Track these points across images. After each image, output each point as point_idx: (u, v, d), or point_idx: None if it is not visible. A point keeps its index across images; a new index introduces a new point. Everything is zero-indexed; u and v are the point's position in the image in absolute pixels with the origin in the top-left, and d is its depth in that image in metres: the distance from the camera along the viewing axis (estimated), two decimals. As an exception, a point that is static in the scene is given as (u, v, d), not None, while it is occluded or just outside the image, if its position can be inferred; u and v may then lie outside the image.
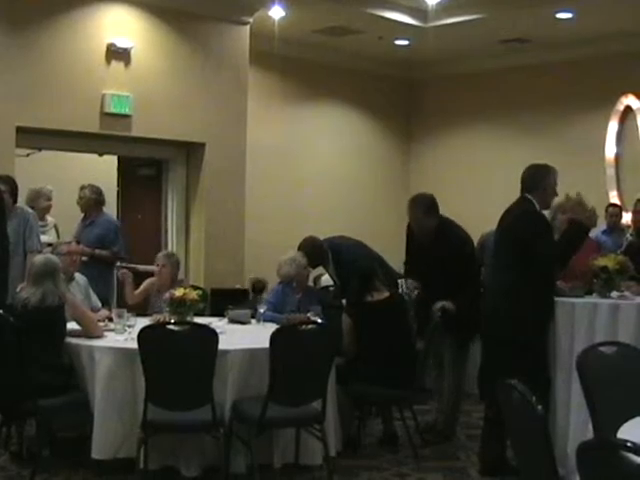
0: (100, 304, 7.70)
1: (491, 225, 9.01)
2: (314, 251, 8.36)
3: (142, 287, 7.96)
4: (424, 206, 7.51)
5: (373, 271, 7.52)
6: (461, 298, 7.25)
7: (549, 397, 6.34)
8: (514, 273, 6.36)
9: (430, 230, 7.50)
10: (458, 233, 7.59)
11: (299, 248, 8.41)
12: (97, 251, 8.86)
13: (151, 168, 11.11)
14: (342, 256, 8.39)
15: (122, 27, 9.76)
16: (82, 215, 9.22)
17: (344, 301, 7.68)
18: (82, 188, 9.21)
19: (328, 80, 13.10)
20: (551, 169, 6.58)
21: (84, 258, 8.56)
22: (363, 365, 7.02)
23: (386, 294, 7.28)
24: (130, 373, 5.96)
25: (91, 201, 9.12)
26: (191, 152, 10.61)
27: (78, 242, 8.69)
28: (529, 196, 6.49)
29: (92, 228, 9.06)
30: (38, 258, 6.52)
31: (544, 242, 6.30)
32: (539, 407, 3.70)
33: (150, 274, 8.11)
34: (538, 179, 6.51)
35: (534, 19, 11.03)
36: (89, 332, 6.41)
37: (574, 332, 6.59)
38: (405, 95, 14.20)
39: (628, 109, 12.00)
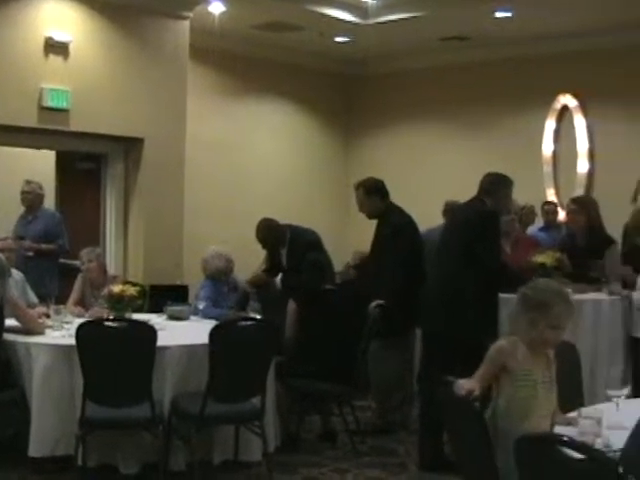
0: (37, 300, 7.61)
1: (428, 220, 9.15)
2: (270, 231, 8.45)
3: (76, 286, 7.85)
4: (367, 187, 7.75)
5: (328, 263, 7.62)
6: (389, 292, 7.32)
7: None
8: (458, 269, 6.42)
9: (373, 212, 7.71)
10: (393, 220, 7.65)
11: (257, 228, 8.48)
12: (44, 246, 8.79)
13: (90, 163, 11.00)
14: (299, 241, 8.46)
15: (61, 20, 9.64)
16: (22, 210, 9.11)
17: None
18: (29, 183, 9.13)
19: (268, 76, 13.07)
20: (510, 181, 6.74)
21: (29, 253, 8.51)
22: (302, 361, 7.05)
23: (333, 287, 7.37)
24: (68, 370, 5.92)
25: (39, 197, 9.06)
26: (130, 147, 10.53)
27: (22, 238, 8.61)
28: (484, 199, 6.59)
29: (36, 223, 8.98)
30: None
31: (488, 246, 6.39)
32: (476, 404, 3.75)
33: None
34: (495, 186, 6.66)
35: (473, 17, 11.10)
36: (30, 330, 6.34)
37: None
38: (345, 91, 14.21)
39: (565, 108, 12.12)
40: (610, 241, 7.34)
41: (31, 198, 9.06)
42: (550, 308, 4.03)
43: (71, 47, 9.68)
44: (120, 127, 10.14)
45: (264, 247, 8.69)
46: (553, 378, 4.18)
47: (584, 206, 7.49)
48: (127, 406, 5.72)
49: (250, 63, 12.68)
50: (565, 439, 2.82)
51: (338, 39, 12.37)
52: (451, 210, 9.37)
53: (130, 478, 6.00)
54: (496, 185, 6.67)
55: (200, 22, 10.72)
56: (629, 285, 6.97)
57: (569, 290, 6.75)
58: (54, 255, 9.00)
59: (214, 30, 10.76)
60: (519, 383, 4.04)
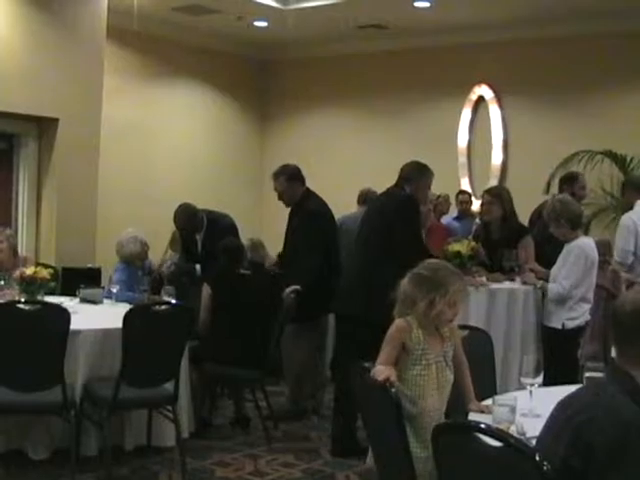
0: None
1: (342, 207, 9.19)
2: (187, 217, 8.43)
3: None
4: (288, 174, 7.79)
5: (242, 247, 7.62)
6: (303, 277, 7.36)
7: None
8: (378, 254, 6.44)
9: (293, 199, 7.77)
10: (309, 206, 7.68)
11: (175, 213, 8.50)
12: None
13: (1, 143, 10.78)
14: (216, 227, 8.46)
15: (-27, -4, 9.44)
16: None
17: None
18: None
19: (185, 59, 12.97)
20: (429, 171, 6.80)
21: None
22: (216, 346, 7.02)
23: (248, 272, 7.37)
24: (-23, 353, 5.80)
25: None
26: (44, 127, 10.34)
27: None
28: (404, 186, 6.65)
29: None
30: None
31: (410, 233, 6.43)
32: (393, 390, 3.76)
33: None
34: (415, 174, 6.72)
35: (392, 6, 11.14)
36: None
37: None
38: (262, 76, 14.18)
39: (481, 99, 12.26)
40: (524, 231, 7.43)
41: None
42: (449, 287, 4.11)
43: (-17, 23, 9.48)
44: (33, 106, 9.94)
45: (180, 232, 8.66)
46: (448, 356, 4.26)
47: (499, 197, 7.56)
48: (38, 390, 5.62)
49: (168, 45, 12.56)
50: (482, 426, 2.84)
51: (257, 24, 12.32)
52: (366, 197, 9.45)
53: (41, 464, 5.93)
54: (416, 173, 6.72)
55: (119, 2, 10.57)
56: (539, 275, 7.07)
57: (484, 278, 6.91)
58: None
59: (133, 11, 10.61)
60: (413, 362, 4.11)
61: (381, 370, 3.96)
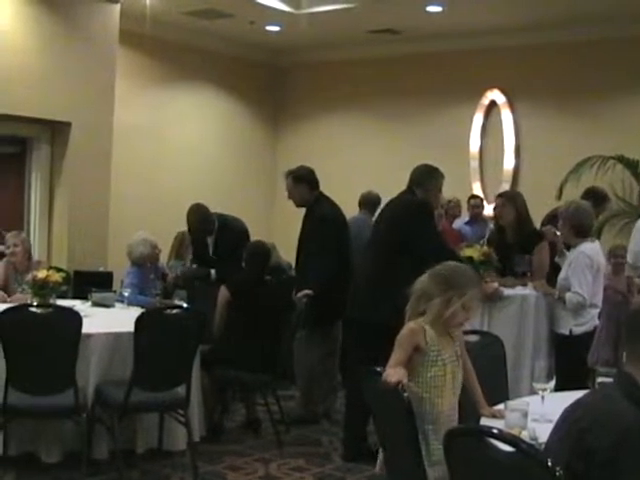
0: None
1: (353, 211, 9.20)
2: (198, 217, 8.47)
3: (0, 270, 7.70)
4: (295, 176, 7.81)
5: (270, 252, 7.61)
6: (316, 281, 7.35)
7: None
8: (391, 259, 6.42)
9: (300, 201, 7.78)
10: (321, 210, 7.67)
11: (187, 213, 8.51)
12: None
13: (14, 146, 10.81)
14: (229, 231, 8.47)
15: (-13, 0, 9.48)
16: None
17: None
18: None
19: (198, 63, 12.98)
20: (440, 174, 6.76)
21: None
22: (228, 350, 7.02)
23: (269, 277, 7.38)
24: (-11, 356, 5.81)
25: None
26: (56, 131, 10.38)
27: None
28: (415, 190, 6.62)
29: None
30: None
31: (430, 238, 6.42)
32: (405, 394, 3.76)
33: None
34: (425, 178, 6.68)
35: (405, 11, 11.13)
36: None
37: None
38: (274, 80, 14.18)
39: (493, 103, 12.24)
40: (540, 237, 7.40)
41: None
42: (467, 289, 4.12)
43: (-3, 27, 9.51)
44: (46, 110, 9.98)
45: (192, 233, 8.69)
46: (459, 355, 4.27)
47: (512, 200, 7.55)
48: (50, 394, 5.64)
49: (180, 50, 12.58)
50: (495, 431, 2.84)
51: (269, 28, 12.33)
52: (366, 200, 9.48)
53: (52, 467, 5.94)
54: (427, 176, 6.70)
55: (132, 6, 10.60)
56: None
57: (495, 284, 6.89)
58: None
59: (146, 15, 10.63)
60: (430, 363, 4.11)
61: (392, 373, 3.95)
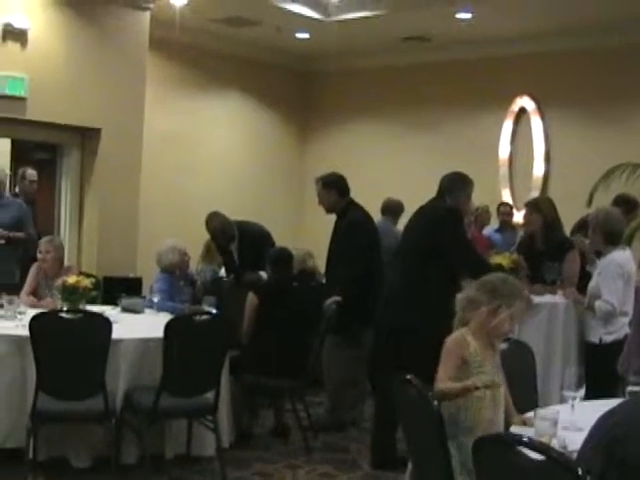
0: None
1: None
2: (218, 224, 8.55)
3: (31, 276, 7.73)
4: (325, 182, 7.80)
5: (292, 256, 7.63)
6: (345, 288, 7.35)
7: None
8: (422, 266, 6.40)
9: (329, 207, 7.78)
10: (351, 217, 7.67)
11: (206, 221, 8.60)
12: (16, 234, 8.71)
13: (45, 152, 10.89)
14: (249, 235, 8.62)
15: (19, 7, 9.52)
16: None
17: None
18: None
19: (227, 70, 13.03)
20: (470, 181, 6.73)
21: (1, 241, 8.47)
22: (256, 356, 7.03)
23: (296, 282, 7.40)
24: (20, 361, 5.85)
25: (4, 184, 8.93)
26: (86, 137, 10.44)
27: None
28: (445, 198, 6.60)
29: (4, 210, 8.83)
30: None
31: (462, 247, 6.41)
32: (435, 402, 3.75)
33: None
34: (456, 185, 6.66)
35: (434, 18, 11.12)
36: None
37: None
38: (303, 87, 14.20)
39: (522, 110, 12.21)
40: (571, 245, 7.36)
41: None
42: (515, 300, 4.11)
43: (30, 34, 9.57)
44: (77, 117, 10.04)
45: (214, 240, 8.78)
46: (499, 366, 4.26)
47: (538, 207, 7.53)
48: (80, 399, 5.67)
49: (209, 57, 12.63)
50: (525, 439, 2.83)
51: (298, 35, 12.36)
52: (387, 207, 9.47)
53: (81, 472, 5.96)
54: (456, 184, 6.67)
55: (161, 13, 10.65)
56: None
57: (526, 292, 6.86)
58: (22, 244, 8.87)
59: (175, 22, 10.68)
60: (472, 374, 4.09)
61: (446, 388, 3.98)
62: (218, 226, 8.64)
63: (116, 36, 10.30)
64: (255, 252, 8.43)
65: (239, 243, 8.69)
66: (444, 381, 4.06)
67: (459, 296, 4.25)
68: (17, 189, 9.58)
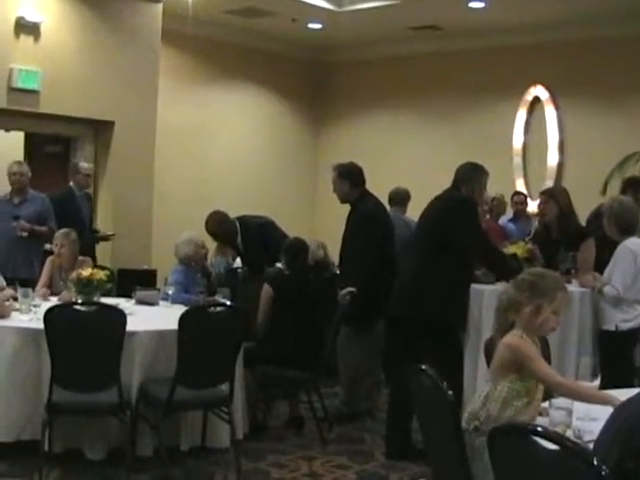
0: (4, 283, 7.52)
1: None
2: (218, 224, 8.68)
3: (46, 269, 7.76)
4: (339, 171, 7.77)
5: (306, 247, 7.63)
6: (359, 279, 7.34)
7: (462, 380, 6.43)
8: (435, 255, 6.39)
9: (342, 196, 7.76)
10: (364, 208, 7.65)
11: (205, 223, 8.63)
12: (38, 228, 8.73)
13: (59, 145, 10.90)
14: (251, 227, 8.73)
15: (32, 0, 9.54)
16: (8, 192, 8.94)
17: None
18: (20, 164, 8.95)
19: (240, 61, 13.02)
20: (484, 171, 6.71)
21: (24, 234, 8.49)
22: (270, 347, 7.04)
23: (310, 273, 7.40)
24: (35, 353, 5.86)
25: (28, 179, 8.94)
26: (100, 130, 10.46)
27: (18, 217, 8.57)
28: (460, 187, 6.59)
29: (27, 205, 8.84)
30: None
31: (472, 233, 6.39)
32: (450, 393, 3.73)
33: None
34: (470, 175, 6.64)
35: (447, 7, 11.10)
36: (-4, 313, 6.27)
37: (482, 317, 6.72)
38: (316, 78, 14.19)
39: (536, 99, 12.17)
40: (586, 234, 7.34)
41: (23, 180, 8.86)
42: (556, 294, 4.03)
43: (42, 27, 9.60)
44: (90, 109, 10.06)
45: (215, 239, 8.81)
46: None
47: (553, 196, 7.51)
48: (95, 391, 5.67)
49: (223, 48, 12.63)
50: (540, 429, 2.81)
51: (311, 26, 12.34)
52: (394, 197, 9.45)
53: (96, 464, 5.97)
54: (471, 174, 6.66)
55: (174, 6, 10.66)
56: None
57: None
58: (44, 238, 8.88)
59: (187, 14, 10.68)
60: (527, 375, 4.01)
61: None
62: (217, 224, 8.67)
63: (129, 28, 10.31)
64: (261, 242, 8.49)
65: (243, 236, 8.72)
66: (558, 375, 3.97)
67: (497, 301, 4.17)
68: (71, 183, 9.52)
